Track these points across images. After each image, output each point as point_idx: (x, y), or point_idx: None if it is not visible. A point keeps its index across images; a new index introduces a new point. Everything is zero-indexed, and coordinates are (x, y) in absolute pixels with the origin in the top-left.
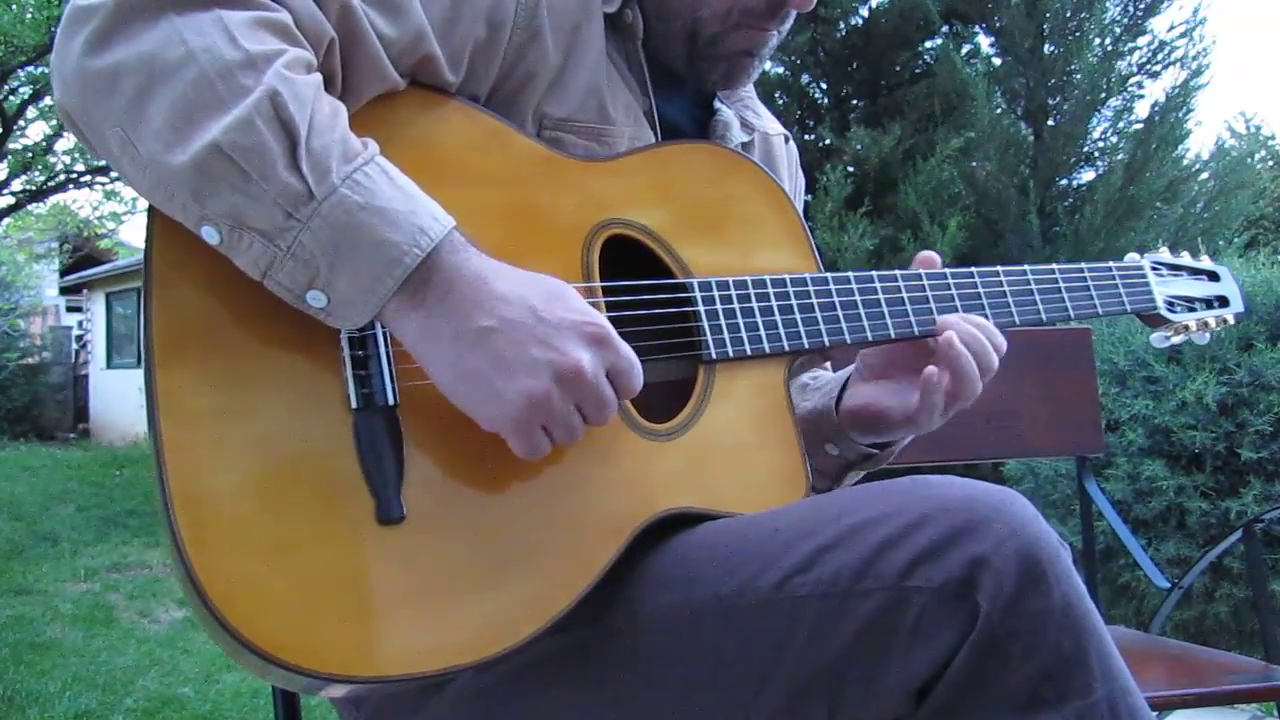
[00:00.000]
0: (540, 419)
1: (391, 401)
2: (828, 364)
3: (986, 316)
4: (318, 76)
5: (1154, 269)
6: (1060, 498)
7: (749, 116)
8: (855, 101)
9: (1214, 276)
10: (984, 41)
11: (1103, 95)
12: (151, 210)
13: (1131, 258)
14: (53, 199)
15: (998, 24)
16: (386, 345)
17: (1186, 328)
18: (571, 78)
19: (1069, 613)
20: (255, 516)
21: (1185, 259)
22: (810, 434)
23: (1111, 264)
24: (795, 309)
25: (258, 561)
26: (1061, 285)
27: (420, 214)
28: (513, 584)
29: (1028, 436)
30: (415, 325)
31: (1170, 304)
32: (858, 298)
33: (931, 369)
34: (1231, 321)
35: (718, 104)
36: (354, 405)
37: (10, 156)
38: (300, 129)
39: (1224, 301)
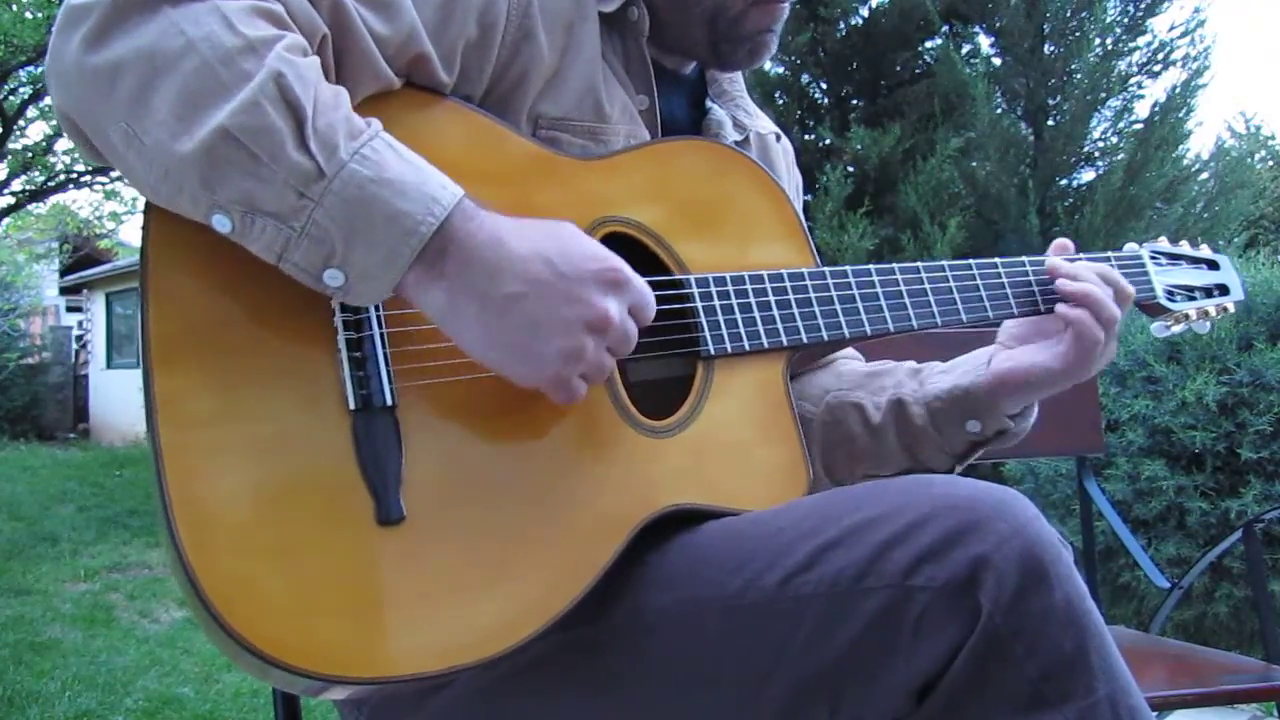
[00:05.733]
0: (578, 370)
1: (390, 402)
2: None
3: (985, 310)
4: (317, 59)
5: (1153, 258)
6: (1060, 498)
7: (740, 116)
8: (855, 101)
9: (1213, 265)
10: (984, 41)
11: (1103, 95)
12: (147, 212)
13: (1130, 247)
14: (53, 199)
15: (998, 24)
16: (384, 346)
17: (1187, 316)
18: (566, 77)
19: (1070, 612)
20: (255, 519)
21: (1184, 248)
22: (947, 413)
23: (1110, 254)
24: (793, 304)
25: (258, 564)
26: None
27: (430, 184)
28: (514, 583)
29: (1028, 436)
30: (440, 299)
31: (1170, 293)
32: (855, 292)
33: (1074, 311)
34: (1232, 309)
35: (710, 103)
36: (352, 406)
37: (10, 156)
38: (306, 109)
39: (1224, 290)
